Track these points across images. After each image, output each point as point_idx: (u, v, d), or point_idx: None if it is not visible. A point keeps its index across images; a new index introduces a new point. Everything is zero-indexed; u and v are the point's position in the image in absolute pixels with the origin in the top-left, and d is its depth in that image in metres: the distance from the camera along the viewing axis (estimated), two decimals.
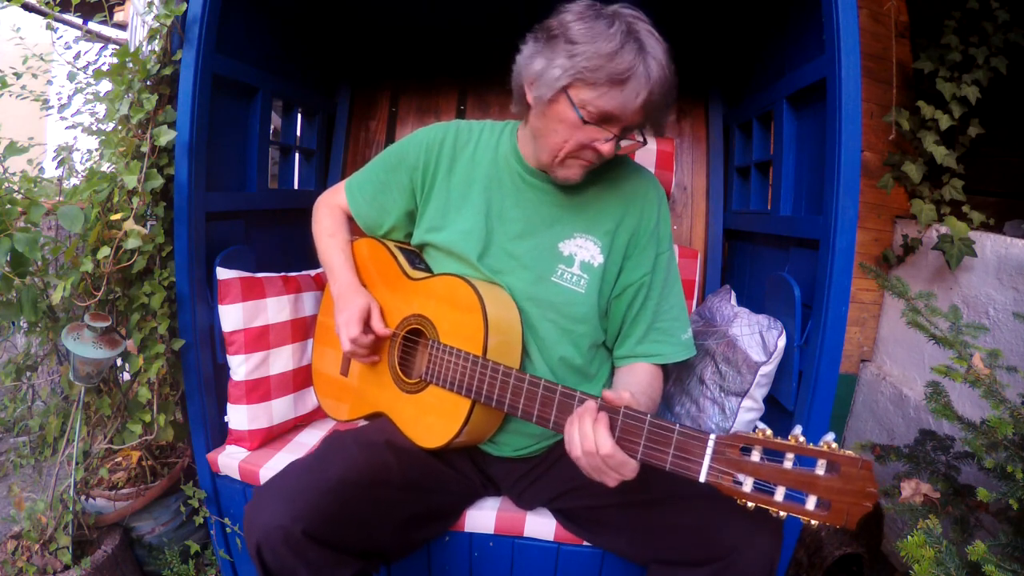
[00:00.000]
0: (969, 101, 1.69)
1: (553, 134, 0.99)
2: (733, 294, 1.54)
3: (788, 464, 0.69)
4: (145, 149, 1.26)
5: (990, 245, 1.59)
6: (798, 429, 0.70)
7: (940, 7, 1.78)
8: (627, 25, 0.92)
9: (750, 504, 0.71)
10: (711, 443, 0.74)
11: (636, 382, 1.08)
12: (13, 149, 1.11)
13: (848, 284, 1.12)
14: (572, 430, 0.85)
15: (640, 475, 0.83)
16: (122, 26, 2.51)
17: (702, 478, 0.75)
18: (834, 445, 0.67)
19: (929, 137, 1.74)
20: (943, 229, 1.67)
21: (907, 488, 1.19)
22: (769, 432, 0.70)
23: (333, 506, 0.94)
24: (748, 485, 0.71)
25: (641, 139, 1.01)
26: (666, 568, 1.00)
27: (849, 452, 0.66)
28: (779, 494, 0.69)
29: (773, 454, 0.70)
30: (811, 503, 0.68)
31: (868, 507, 0.65)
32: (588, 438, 0.82)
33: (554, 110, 0.97)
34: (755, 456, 0.71)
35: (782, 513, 0.69)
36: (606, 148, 0.96)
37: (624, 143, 0.99)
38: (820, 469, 0.67)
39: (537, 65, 0.97)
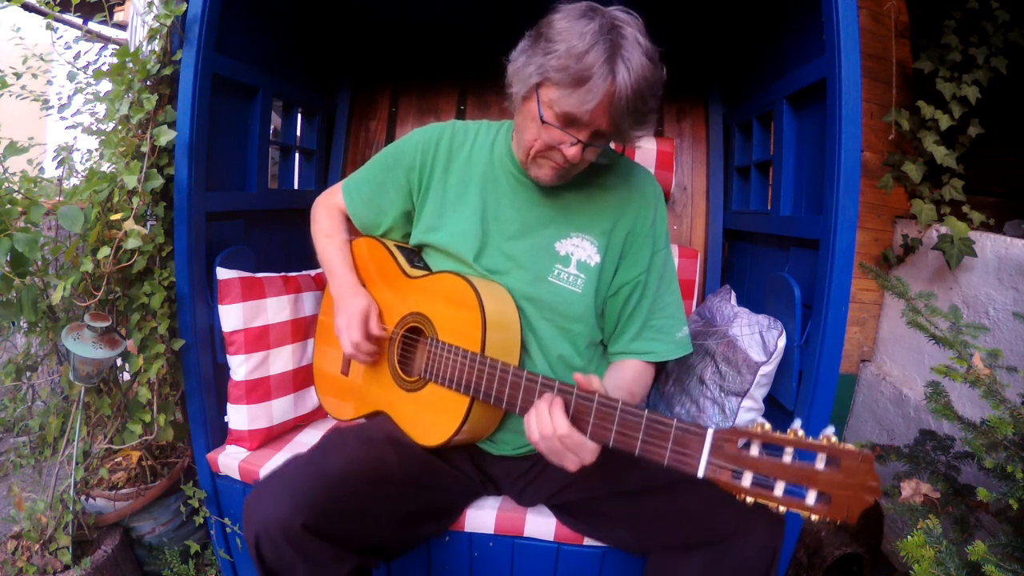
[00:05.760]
0: (969, 101, 1.69)
1: (526, 131, 0.99)
2: (733, 294, 1.54)
3: (787, 458, 0.68)
4: (145, 149, 1.26)
5: (990, 245, 1.59)
6: (797, 423, 0.69)
7: (940, 7, 1.78)
8: (607, 25, 0.89)
9: (749, 499, 0.70)
10: (709, 437, 0.74)
11: (620, 376, 1.09)
12: (13, 149, 1.11)
13: (848, 284, 1.12)
14: (529, 416, 0.87)
15: (638, 465, 0.83)
16: (122, 26, 2.51)
17: (700, 473, 0.74)
18: (834, 439, 0.66)
19: (929, 137, 1.74)
20: (943, 229, 1.67)
21: (907, 488, 1.19)
22: (768, 426, 0.70)
23: (333, 500, 0.94)
24: (747, 480, 0.70)
25: (621, 150, 1.00)
26: (666, 554, 0.99)
27: (849, 445, 0.65)
28: (778, 488, 0.69)
29: (772, 448, 0.69)
30: (811, 497, 0.67)
31: (869, 501, 0.64)
32: (545, 420, 0.84)
33: (527, 107, 0.97)
34: (754, 450, 0.70)
35: (781, 508, 0.68)
36: (571, 152, 0.95)
37: (597, 149, 0.97)
38: (820, 463, 0.66)
39: (520, 62, 0.97)
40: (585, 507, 1.12)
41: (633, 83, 0.88)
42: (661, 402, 1.47)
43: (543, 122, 0.94)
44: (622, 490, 1.02)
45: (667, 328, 1.13)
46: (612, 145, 1.05)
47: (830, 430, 0.67)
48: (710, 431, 0.74)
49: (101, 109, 1.36)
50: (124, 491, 1.37)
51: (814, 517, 0.67)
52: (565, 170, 1.01)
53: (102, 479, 1.39)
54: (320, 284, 1.53)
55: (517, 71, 0.97)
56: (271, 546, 0.90)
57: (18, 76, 1.41)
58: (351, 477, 0.99)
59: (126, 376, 1.38)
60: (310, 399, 1.48)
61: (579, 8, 0.92)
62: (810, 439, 0.67)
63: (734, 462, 0.71)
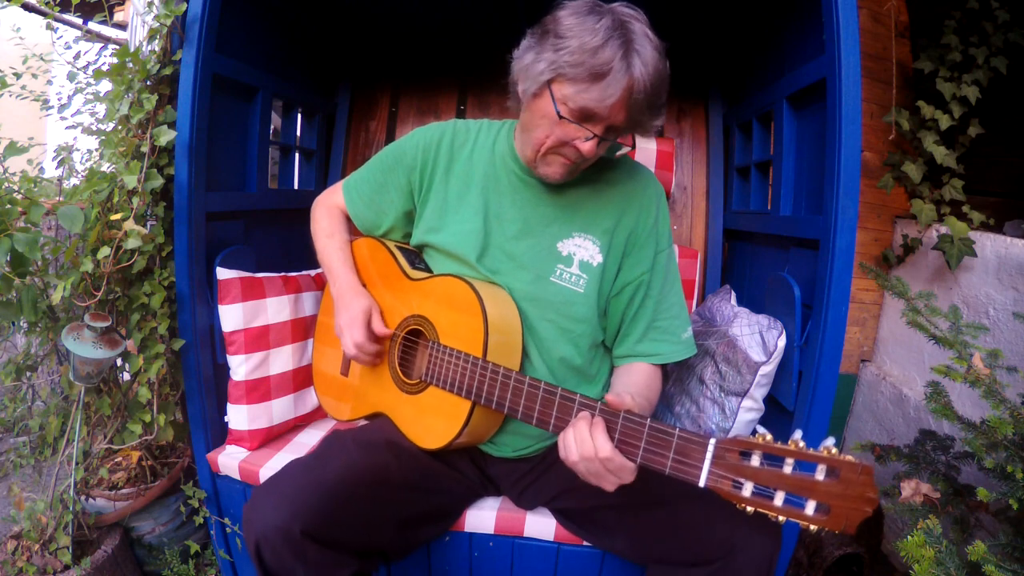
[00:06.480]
0: (969, 101, 1.69)
1: (536, 128, 0.98)
2: (733, 294, 1.54)
3: (788, 469, 0.69)
4: (145, 149, 1.26)
5: (990, 245, 1.59)
6: (798, 434, 0.69)
7: (940, 7, 1.78)
8: (617, 21, 0.89)
9: (749, 508, 0.71)
10: (711, 447, 0.74)
11: (633, 382, 1.08)
12: (13, 149, 1.11)
13: (848, 284, 1.12)
14: (567, 436, 0.85)
15: (639, 476, 0.83)
16: (122, 26, 2.50)
17: (702, 483, 0.74)
18: (834, 450, 0.67)
19: (929, 137, 1.74)
20: (943, 229, 1.67)
21: (907, 488, 1.19)
22: (769, 436, 0.70)
23: (332, 505, 0.94)
24: (747, 489, 0.71)
25: (631, 144, 1.00)
26: (665, 569, 1.00)
27: (849, 457, 0.66)
28: (778, 499, 0.69)
29: (773, 458, 0.70)
30: (810, 508, 0.68)
31: (868, 512, 0.65)
32: (587, 443, 0.82)
33: (537, 104, 0.96)
34: (755, 460, 0.71)
35: (781, 518, 0.69)
36: (586, 147, 0.95)
37: (608, 144, 0.97)
38: (820, 474, 0.67)
39: (527, 59, 0.96)
40: (585, 515, 1.12)
41: (649, 76, 0.89)
42: (661, 402, 1.47)
43: (560, 117, 0.93)
44: (623, 502, 1.01)
45: (672, 329, 1.12)
46: (619, 140, 1.05)
47: (830, 441, 0.68)
48: (712, 441, 0.74)
49: (101, 109, 1.36)
50: (124, 491, 1.37)
51: (813, 527, 0.68)
52: (575, 165, 1.01)
53: (102, 479, 1.39)
54: (320, 284, 1.53)
55: (524, 68, 0.96)
56: (272, 552, 0.90)
57: (18, 76, 1.41)
58: (350, 483, 0.98)
59: (126, 376, 1.38)
60: (310, 399, 1.48)
61: (585, 5, 0.92)
62: (810, 450, 0.68)
63: (735, 472, 0.72)
